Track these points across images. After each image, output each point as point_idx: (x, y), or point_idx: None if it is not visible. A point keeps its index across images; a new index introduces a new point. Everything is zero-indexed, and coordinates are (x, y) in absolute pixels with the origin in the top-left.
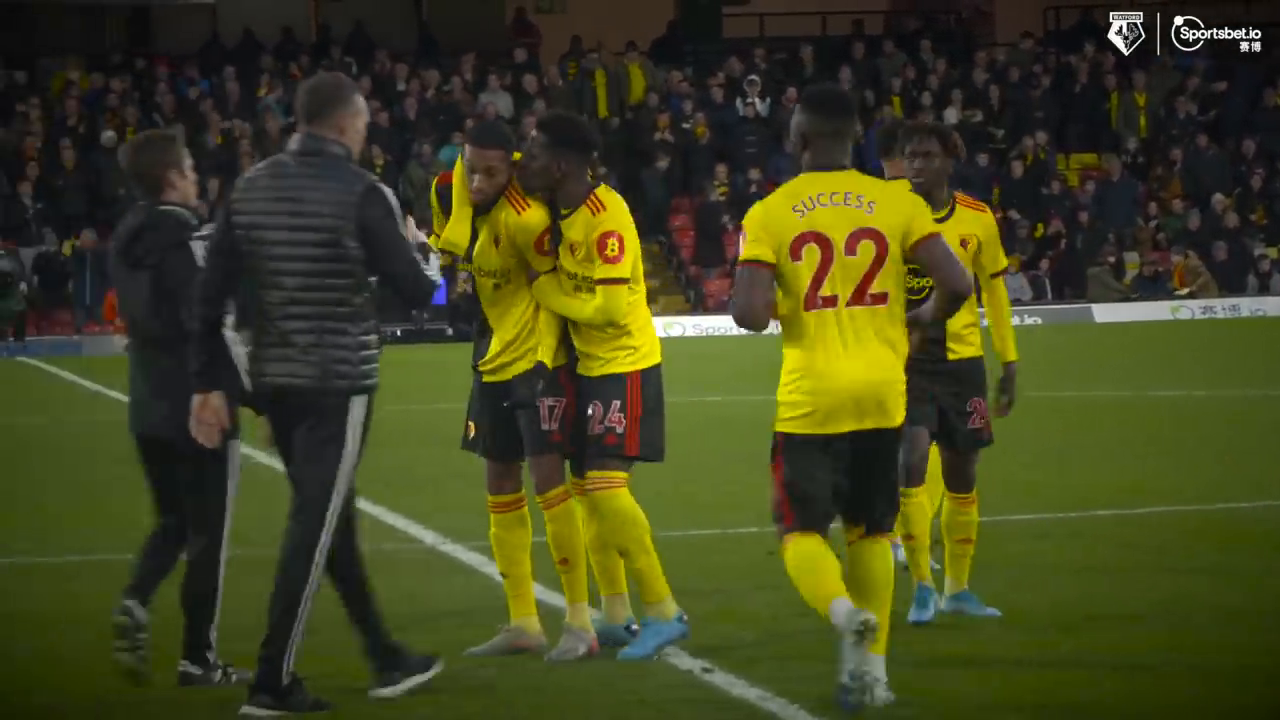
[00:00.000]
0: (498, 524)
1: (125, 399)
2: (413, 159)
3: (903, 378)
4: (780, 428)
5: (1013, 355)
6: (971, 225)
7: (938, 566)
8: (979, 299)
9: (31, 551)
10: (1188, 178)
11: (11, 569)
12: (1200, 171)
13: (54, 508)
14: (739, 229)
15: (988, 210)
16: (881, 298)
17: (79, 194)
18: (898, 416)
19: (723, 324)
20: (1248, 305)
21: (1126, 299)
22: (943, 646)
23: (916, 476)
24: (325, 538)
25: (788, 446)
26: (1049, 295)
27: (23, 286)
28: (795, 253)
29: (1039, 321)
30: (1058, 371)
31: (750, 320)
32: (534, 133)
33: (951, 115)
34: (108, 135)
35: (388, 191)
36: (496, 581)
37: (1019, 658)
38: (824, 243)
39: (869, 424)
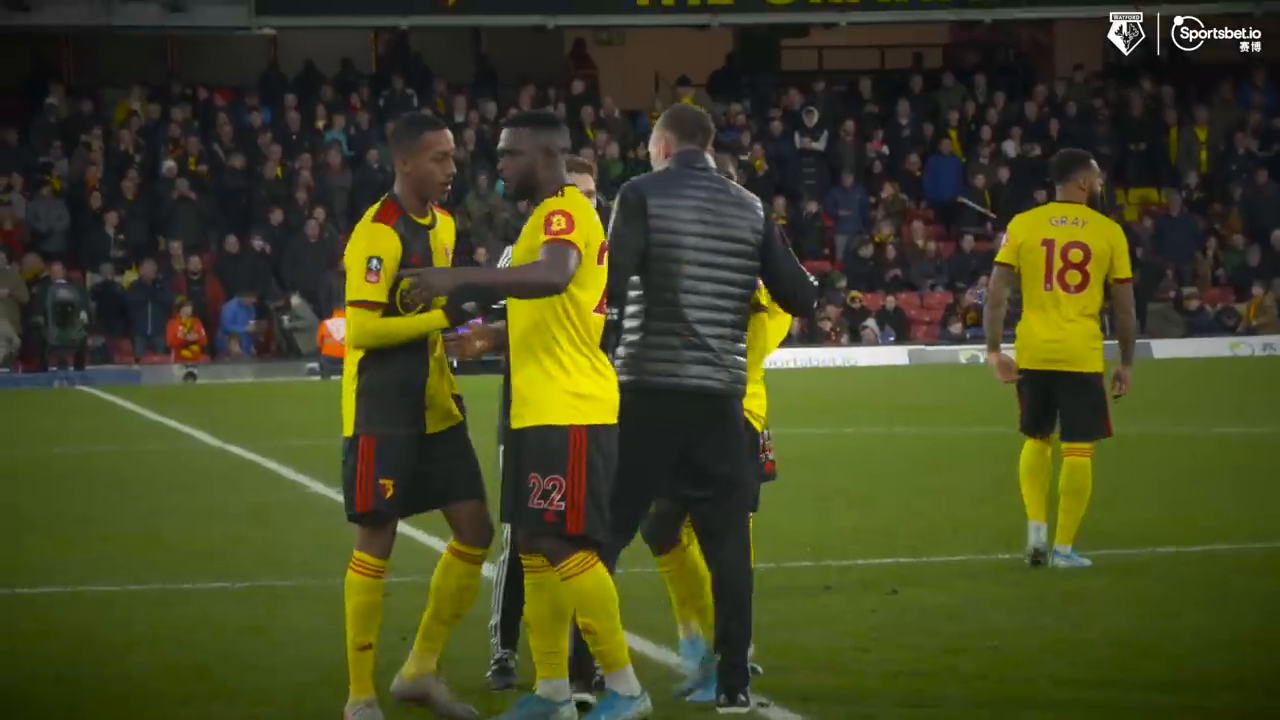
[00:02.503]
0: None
1: (183, 428)
2: (470, 191)
3: None
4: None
5: None
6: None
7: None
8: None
9: (90, 579)
10: (1247, 213)
11: (71, 597)
12: (1260, 207)
13: (112, 536)
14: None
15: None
16: None
17: (140, 224)
18: None
19: (774, 356)
20: None
21: (1188, 335)
22: (1004, 683)
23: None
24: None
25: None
26: (1107, 332)
27: (83, 315)
28: (599, 258)
29: None
30: (1118, 407)
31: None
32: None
33: (1010, 149)
34: (168, 165)
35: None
36: None
37: (1075, 697)
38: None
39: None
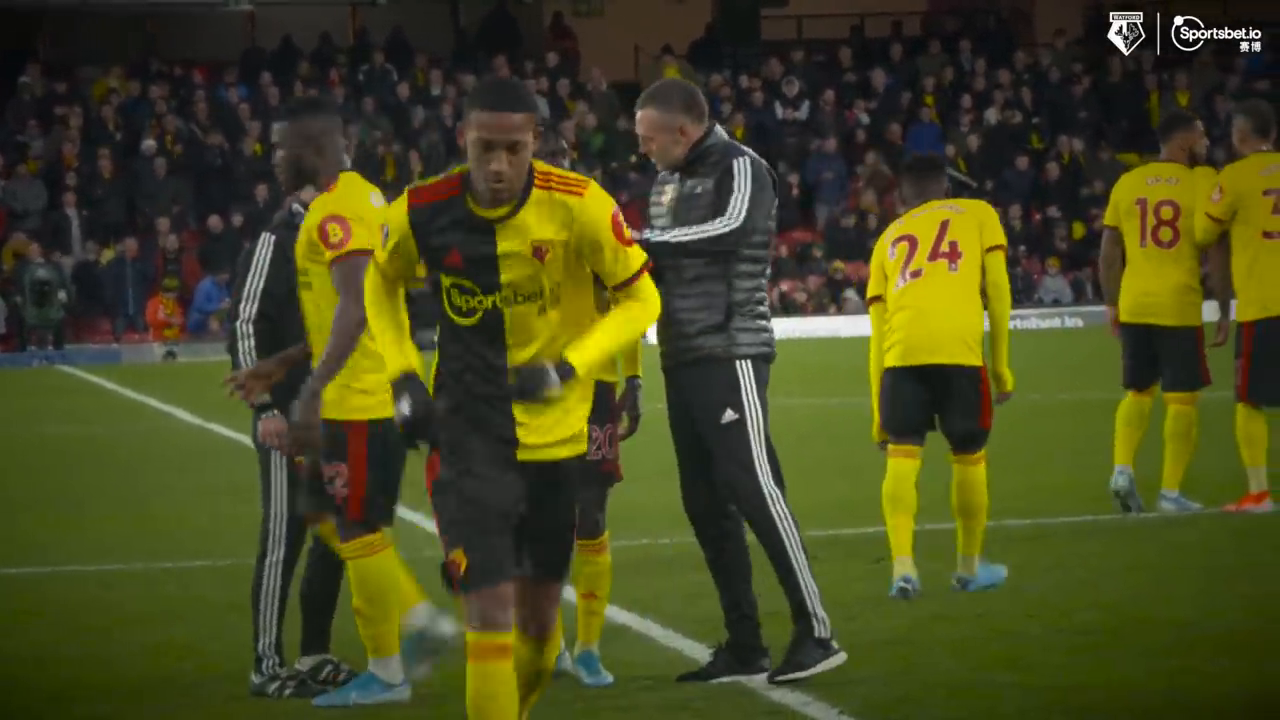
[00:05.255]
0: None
1: (164, 408)
2: (452, 163)
3: None
4: None
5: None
6: None
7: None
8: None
9: (74, 559)
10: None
11: (55, 577)
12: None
13: (96, 515)
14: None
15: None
16: None
17: (118, 202)
18: None
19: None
20: None
21: None
22: (991, 648)
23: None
24: None
25: None
26: (1090, 296)
27: (62, 294)
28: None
29: (1080, 324)
30: (1102, 373)
31: None
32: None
33: (992, 116)
34: (147, 144)
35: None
36: None
37: (1061, 662)
38: None
39: None
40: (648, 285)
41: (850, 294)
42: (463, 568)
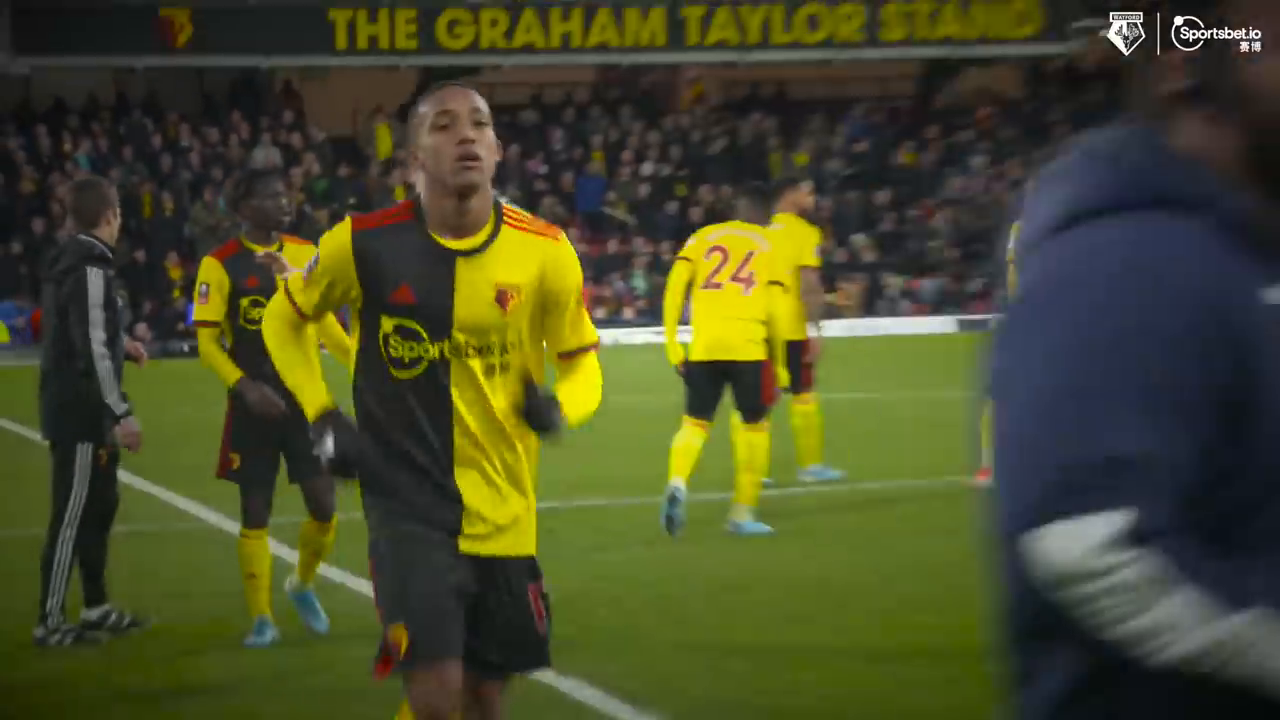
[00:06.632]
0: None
1: None
2: (199, 201)
3: None
4: None
5: None
6: None
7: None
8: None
9: None
10: (835, 222)
11: None
12: (844, 216)
13: None
14: None
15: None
16: None
17: None
18: None
19: None
20: (883, 325)
21: None
22: (644, 601)
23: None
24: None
25: None
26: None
27: None
28: None
29: None
30: None
31: None
32: None
33: (647, 168)
34: None
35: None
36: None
37: (707, 611)
38: None
39: None
40: (595, 361)
41: None
42: (403, 645)
